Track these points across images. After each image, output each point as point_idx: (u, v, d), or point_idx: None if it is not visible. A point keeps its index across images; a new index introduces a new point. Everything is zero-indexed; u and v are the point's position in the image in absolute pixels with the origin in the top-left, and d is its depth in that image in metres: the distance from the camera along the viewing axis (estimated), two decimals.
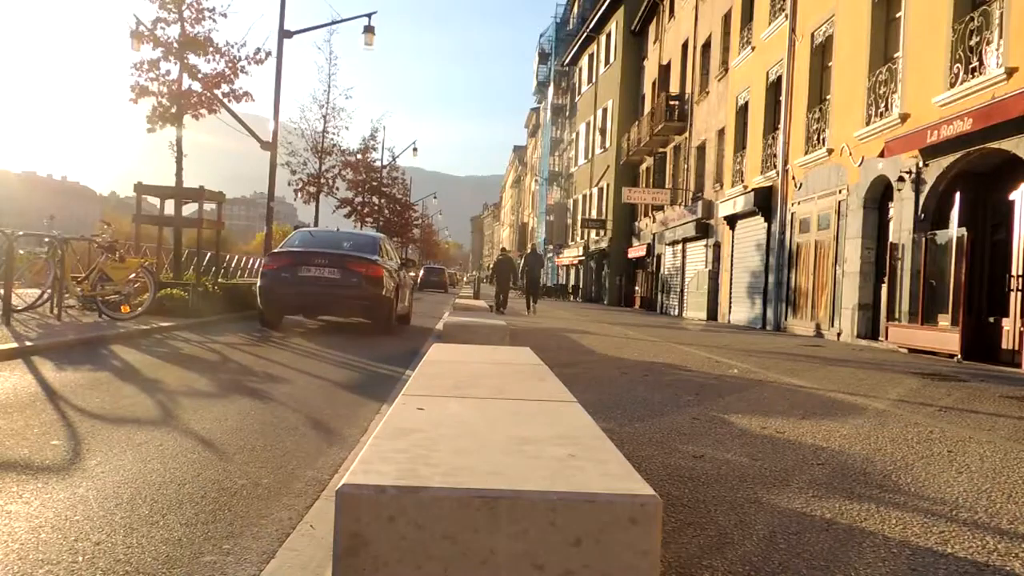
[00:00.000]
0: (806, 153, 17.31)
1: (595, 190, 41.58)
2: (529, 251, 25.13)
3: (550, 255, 57.51)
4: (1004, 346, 10.83)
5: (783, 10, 18.75)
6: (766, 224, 19.42)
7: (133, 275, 10.12)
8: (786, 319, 18.15)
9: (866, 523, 2.83)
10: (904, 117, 12.99)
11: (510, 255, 24.08)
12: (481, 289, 30.13)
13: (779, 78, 19.14)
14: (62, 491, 2.98)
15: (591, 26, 41.85)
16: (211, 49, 13.48)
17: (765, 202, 19.20)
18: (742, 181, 21.49)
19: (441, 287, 46.56)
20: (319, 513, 2.82)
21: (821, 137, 16.73)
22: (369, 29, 20.06)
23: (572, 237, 49.18)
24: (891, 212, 13.73)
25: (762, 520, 2.83)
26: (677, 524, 2.75)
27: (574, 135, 50.19)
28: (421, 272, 42.38)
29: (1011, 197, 10.87)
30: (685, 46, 28.41)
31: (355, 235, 13.21)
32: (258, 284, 10.68)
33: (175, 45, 13.18)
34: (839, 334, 15.05)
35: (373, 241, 11.80)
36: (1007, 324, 10.81)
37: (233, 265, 28.23)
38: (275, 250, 11.59)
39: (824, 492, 3.25)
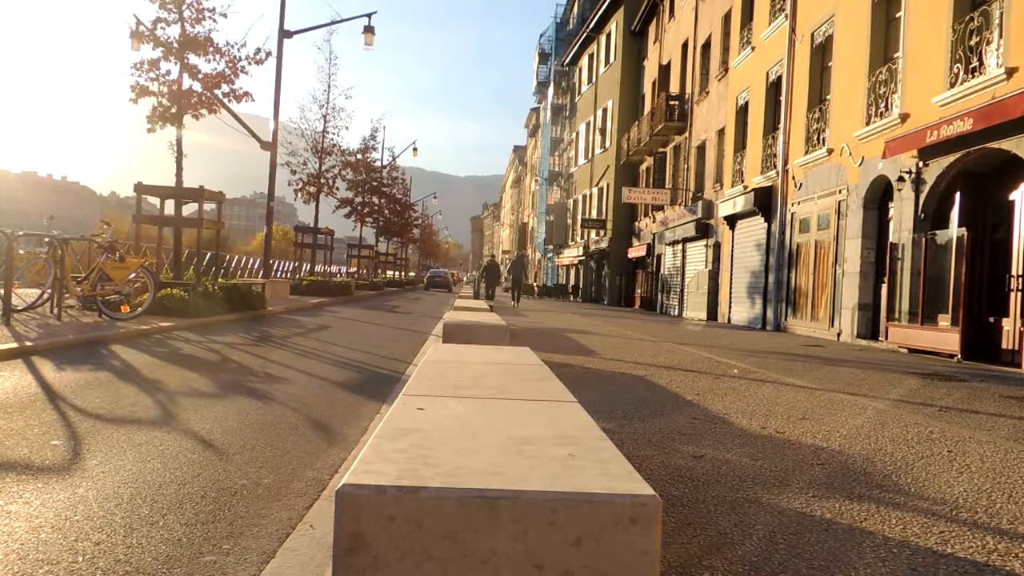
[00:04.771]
0: (806, 153, 17.30)
1: (595, 190, 41.56)
2: (515, 258, 31.97)
3: (550, 255, 57.65)
4: (1004, 346, 10.83)
5: (783, 10, 18.74)
6: (766, 224, 19.41)
7: (133, 275, 10.12)
8: (786, 319, 18.15)
9: (866, 523, 2.83)
10: (904, 117, 12.99)
11: (496, 260, 30.72)
12: (481, 290, 30.44)
13: (779, 78, 19.14)
14: (62, 491, 2.98)
15: (591, 26, 41.82)
16: (211, 49, 13.49)
17: (765, 202, 19.19)
18: (742, 181, 21.49)
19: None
20: (319, 513, 2.82)
21: (821, 137, 16.72)
22: (369, 29, 20.08)
23: (572, 237, 49.13)
24: (891, 212, 13.72)
25: (762, 520, 2.83)
26: (677, 524, 2.76)
27: (574, 135, 50.15)
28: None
29: (1011, 197, 10.87)
30: (685, 46, 28.40)
31: (444, 270, 68.13)
32: (426, 277, 57.49)
33: (175, 45, 13.18)
34: (839, 334, 15.05)
35: (447, 271, 67.99)
36: (1007, 324, 10.81)
37: (233, 265, 28.25)
38: (428, 273, 60.38)
39: (824, 492, 3.25)
